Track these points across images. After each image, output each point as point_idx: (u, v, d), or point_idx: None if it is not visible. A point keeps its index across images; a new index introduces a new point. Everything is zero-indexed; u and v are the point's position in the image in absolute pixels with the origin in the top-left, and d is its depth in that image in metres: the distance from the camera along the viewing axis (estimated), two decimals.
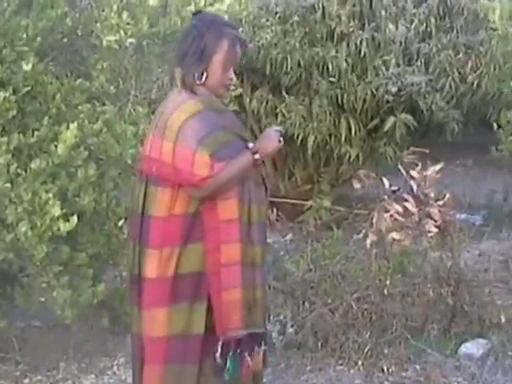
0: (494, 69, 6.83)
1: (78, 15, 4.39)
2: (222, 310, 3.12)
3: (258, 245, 3.18)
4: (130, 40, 4.32)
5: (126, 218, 4.31)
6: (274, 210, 7.11)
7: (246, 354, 3.16)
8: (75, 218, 3.89)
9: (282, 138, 3.23)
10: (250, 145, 3.20)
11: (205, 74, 3.14)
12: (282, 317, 4.82)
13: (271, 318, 4.75)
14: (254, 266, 3.17)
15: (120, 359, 4.62)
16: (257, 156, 3.15)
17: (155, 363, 3.16)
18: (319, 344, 4.70)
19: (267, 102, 6.90)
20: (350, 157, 6.86)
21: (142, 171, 3.23)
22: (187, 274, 3.13)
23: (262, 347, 3.22)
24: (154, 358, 3.16)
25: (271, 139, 3.24)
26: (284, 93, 6.84)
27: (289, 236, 6.75)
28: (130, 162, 4.19)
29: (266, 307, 3.52)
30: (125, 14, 4.25)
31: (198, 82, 3.14)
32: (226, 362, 3.14)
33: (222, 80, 3.19)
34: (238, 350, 3.15)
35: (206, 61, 3.12)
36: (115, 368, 4.55)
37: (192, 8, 4.40)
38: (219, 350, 3.14)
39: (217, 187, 3.08)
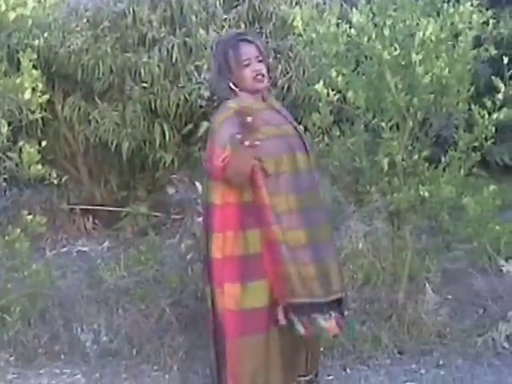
0: (303, 73, 7.02)
1: None
2: (279, 281, 3.58)
3: (299, 229, 3.61)
4: None
5: None
6: (91, 218, 7.06)
7: (306, 319, 3.60)
8: None
9: None
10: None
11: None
12: (95, 325, 4.77)
13: (84, 327, 4.69)
14: (299, 247, 3.60)
15: None
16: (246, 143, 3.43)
17: (233, 337, 3.60)
18: (134, 351, 4.69)
19: (80, 109, 6.77)
20: (165, 162, 6.82)
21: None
22: (253, 255, 3.58)
23: (333, 314, 3.64)
24: (230, 332, 3.60)
25: None
26: (97, 99, 6.73)
27: (106, 243, 6.69)
28: None
29: (341, 277, 3.78)
30: None
31: (235, 90, 3.70)
32: (291, 325, 3.61)
33: (248, 76, 3.69)
34: (297, 315, 3.59)
35: (230, 72, 3.70)
36: None
37: None
38: (281, 314, 3.61)
39: (232, 176, 3.51)
